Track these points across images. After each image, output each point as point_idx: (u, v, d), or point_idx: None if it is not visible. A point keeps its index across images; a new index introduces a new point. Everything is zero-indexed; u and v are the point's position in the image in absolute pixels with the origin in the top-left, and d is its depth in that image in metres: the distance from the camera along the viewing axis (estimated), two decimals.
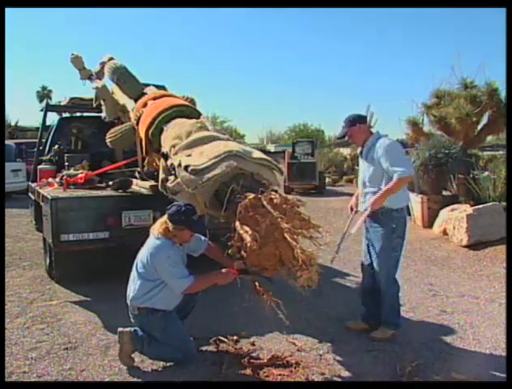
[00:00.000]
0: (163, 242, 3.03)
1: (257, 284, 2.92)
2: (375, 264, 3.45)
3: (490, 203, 6.79)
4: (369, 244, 3.49)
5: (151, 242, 3.08)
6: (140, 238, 3.26)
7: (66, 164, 5.66)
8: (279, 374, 2.89)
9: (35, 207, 5.47)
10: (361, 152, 3.54)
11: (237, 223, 2.78)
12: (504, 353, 3.13)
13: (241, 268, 3.00)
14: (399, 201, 3.36)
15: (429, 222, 7.86)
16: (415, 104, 10.13)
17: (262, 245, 2.71)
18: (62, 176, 5.11)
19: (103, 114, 5.71)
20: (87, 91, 6.33)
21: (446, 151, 8.08)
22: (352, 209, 3.71)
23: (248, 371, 2.95)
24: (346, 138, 3.58)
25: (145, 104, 4.64)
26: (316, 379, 2.87)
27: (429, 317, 3.98)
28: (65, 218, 4.17)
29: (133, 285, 3.10)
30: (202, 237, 3.37)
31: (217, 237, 3.31)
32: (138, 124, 4.59)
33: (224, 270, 3.07)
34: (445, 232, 7.15)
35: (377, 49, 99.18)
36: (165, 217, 3.06)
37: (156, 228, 3.11)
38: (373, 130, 3.58)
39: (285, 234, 2.68)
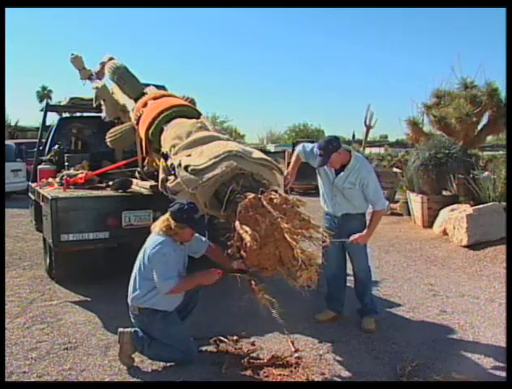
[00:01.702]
0: (163, 239, 3.02)
1: (253, 283, 2.92)
2: (356, 260, 3.70)
3: (490, 203, 6.78)
4: (342, 242, 3.61)
5: (152, 239, 3.08)
6: (140, 238, 3.26)
7: (66, 164, 5.65)
8: (279, 374, 2.89)
9: (35, 207, 5.47)
10: (337, 172, 3.54)
11: (237, 223, 2.78)
12: (504, 353, 3.12)
13: (241, 268, 3.00)
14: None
15: (429, 222, 7.85)
16: (415, 104, 10.16)
17: (262, 245, 2.71)
18: (62, 176, 5.11)
19: (103, 114, 5.71)
20: (87, 91, 6.35)
21: (446, 151, 8.07)
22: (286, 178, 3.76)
23: (248, 371, 2.95)
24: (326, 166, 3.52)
25: (145, 104, 4.64)
26: (316, 379, 2.87)
27: (429, 317, 3.98)
28: (65, 218, 4.17)
29: (134, 285, 3.10)
30: (203, 238, 3.37)
31: (217, 237, 3.30)
32: (138, 124, 4.59)
33: (210, 270, 3.08)
34: (445, 232, 7.14)
35: (378, 48, 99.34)
36: (167, 214, 3.07)
37: (158, 226, 3.10)
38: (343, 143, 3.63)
39: (285, 234, 2.68)
